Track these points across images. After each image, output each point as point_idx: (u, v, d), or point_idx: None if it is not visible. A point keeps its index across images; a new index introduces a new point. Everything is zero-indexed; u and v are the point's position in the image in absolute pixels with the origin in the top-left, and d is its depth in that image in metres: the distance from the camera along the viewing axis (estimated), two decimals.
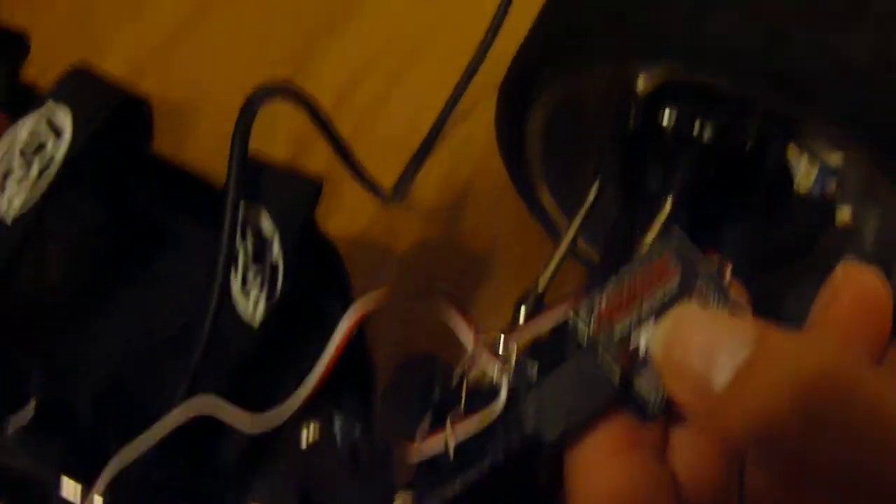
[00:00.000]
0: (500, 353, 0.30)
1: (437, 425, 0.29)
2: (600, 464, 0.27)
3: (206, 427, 0.31)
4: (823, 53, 0.34)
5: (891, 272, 0.38)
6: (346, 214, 0.47)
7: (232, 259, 0.35)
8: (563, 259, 0.40)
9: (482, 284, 0.47)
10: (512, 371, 0.29)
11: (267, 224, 0.37)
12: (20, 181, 0.36)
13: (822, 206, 0.41)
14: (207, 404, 0.31)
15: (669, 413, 0.27)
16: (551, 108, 0.41)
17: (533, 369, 0.29)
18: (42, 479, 0.34)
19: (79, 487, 0.33)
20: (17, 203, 0.35)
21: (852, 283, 0.27)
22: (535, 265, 0.42)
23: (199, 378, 0.33)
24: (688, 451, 0.28)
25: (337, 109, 0.50)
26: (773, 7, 0.35)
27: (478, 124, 0.48)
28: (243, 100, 0.45)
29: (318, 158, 0.47)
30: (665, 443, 0.28)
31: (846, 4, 0.35)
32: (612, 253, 0.40)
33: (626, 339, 0.27)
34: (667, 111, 0.38)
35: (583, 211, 0.41)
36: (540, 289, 0.39)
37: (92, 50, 0.51)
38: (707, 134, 0.38)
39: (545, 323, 0.30)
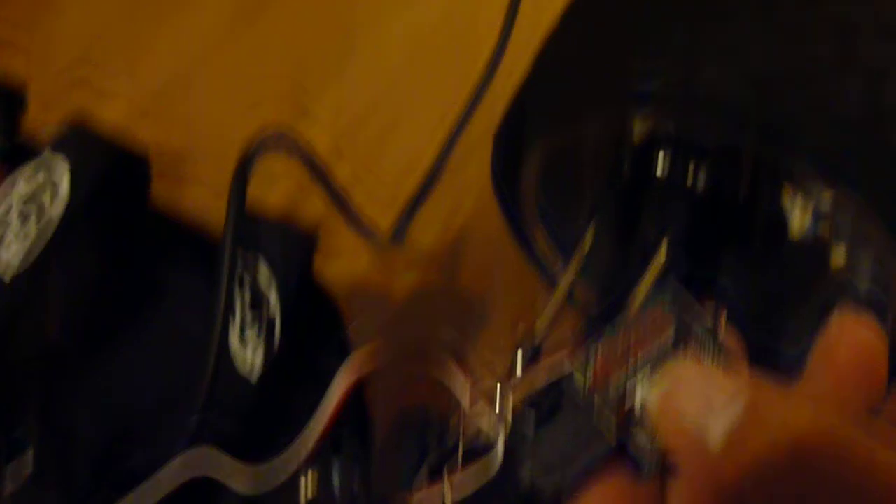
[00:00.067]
0: (497, 404, 0.30)
1: (434, 478, 0.30)
2: None
3: (204, 483, 0.32)
4: (813, 106, 0.35)
5: (886, 315, 0.39)
6: (344, 257, 0.47)
7: (229, 316, 0.35)
8: (559, 307, 0.40)
9: (480, 328, 0.47)
10: (508, 424, 0.29)
11: (264, 277, 0.37)
12: (18, 237, 0.36)
13: (817, 249, 0.41)
14: (205, 459, 0.31)
15: (666, 467, 0.27)
16: (546, 156, 0.41)
17: (530, 421, 0.29)
18: None
19: None
20: (16, 261, 0.35)
21: (847, 335, 0.27)
22: (533, 308, 0.42)
23: (198, 435, 0.33)
24: None
25: (336, 152, 0.51)
26: (762, 60, 0.35)
27: (476, 168, 0.48)
28: (242, 145, 0.46)
29: (317, 201, 0.47)
30: (662, 496, 0.28)
31: (834, 56, 0.36)
32: (607, 300, 0.40)
33: (622, 394, 0.27)
34: (660, 159, 0.39)
35: (578, 258, 0.41)
36: (537, 337, 0.39)
37: (92, 95, 0.51)
38: (700, 182, 0.38)
39: (542, 374, 0.30)
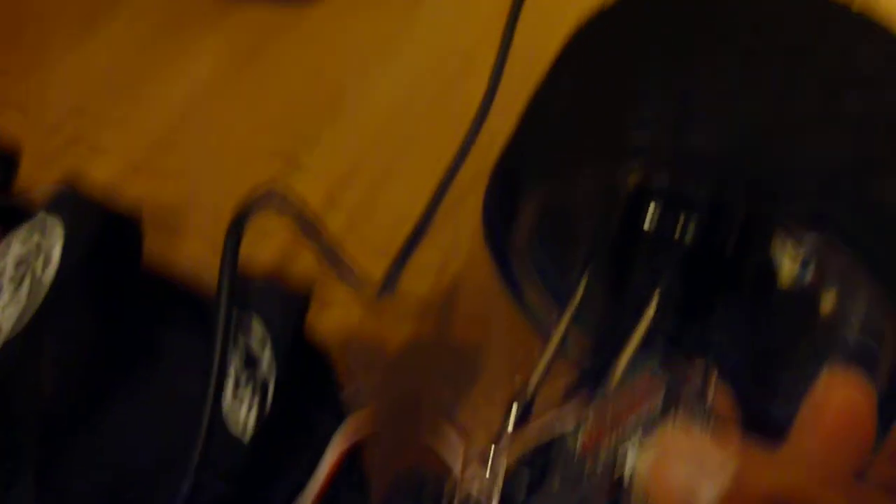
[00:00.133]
0: (489, 466, 0.30)
1: None
2: None
3: None
4: (800, 159, 0.35)
5: (875, 366, 0.39)
6: (337, 309, 0.48)
7: (223, 380, 0.35)
8: (553, 359, 0.40)
9: (473, 379, 0.47)
10: (500, 489, 0.29)
11: (258, 337, 0.37)
12: (11, 300, 0.36)
13: (807, 298, 0.41)
14: None
15: None
16: (538, 207, 0.42)
17: (522, 485, 0.29)
18: None
19: None
20: (9, 325, 0.35)
21: (834, 396, 0.28)
22: (527, 358, 0.42)
23: (191, 498, 0.33)
24: None
25: (329, 203, 0.51)
26: (750, 115, 0.36)
27: (468, 216, 0.48)
28: (235, 197, 0.46)
29: (309, 254, 0.47)
30: None
31: (820, 109, 0.36)
32: (599, 353, 0.41)
33: (612, 460, 0.27)
34: (649, 213, 0.39)
35: (571, 309, 0.41)
36: (530, 390, 0.39)
37: (85, 150, 0.51)
38: (690, 234, 0.39)
39: (534, 434, 0.30)
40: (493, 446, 0.31)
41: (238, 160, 0.52)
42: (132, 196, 0.48)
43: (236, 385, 0.37)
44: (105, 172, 0.50)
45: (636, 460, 0.27)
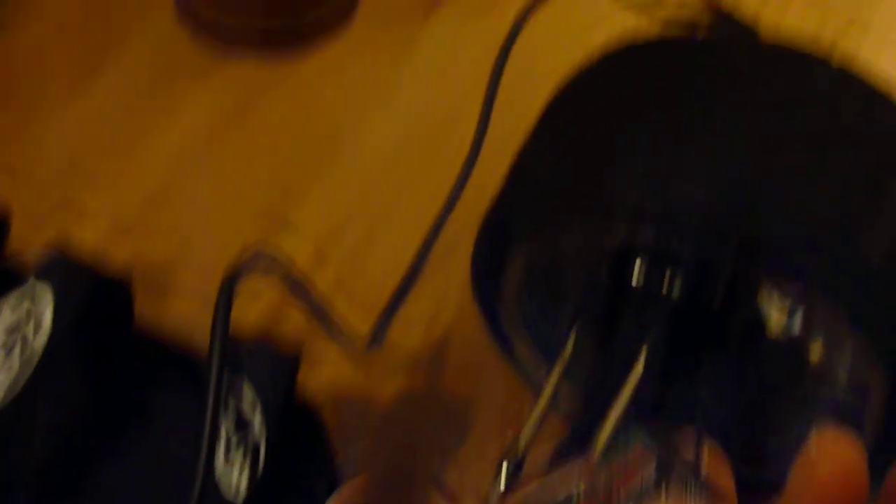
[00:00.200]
0: None
1: None
2: None
3: None
4: (786, 215, 0.36)
5: (862, 422, 0.39)
6: (327, 366, 0.48)
7: (215, 443, 0.35)
8: (543, 415, 0.41)
9: (465, 433, 0.47)
10: None
11: (249, 401, 0.37)
12: (3, 368, 0.36)
13: (795, 347, 0.41)
14: None
15: None
16: (526, 263, 0.42)
17: None
18: None
19: None
20: (0, 394, 0.36)
21: (828, 453, 0.28)
22: (518, 412, 0.42)
23: None
24: None
25: (318, 260, 0.51)
26: (734, 171, 0.36)
27: (456, 269, 0.49)
28: (224, 257, 0.46)
29: (298, 313, 0.47)
30: None
31: (804, 165, 0.36)
32: (588, 408, 0.41)
33: None
34: (636, 269, 0.39)
35: (561, 365, 0.41)
36: (520, 448, 0.39)
37: (75, 211, 0.51)
38: (676, 290, 0.39)
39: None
40: None
41: (227, 217, 0.52)
42: (122, 256, 0.49)
43: (228, 448, 0.37)
44: (95, 232, 0.50)
45: None
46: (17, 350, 0.37)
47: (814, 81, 0.39)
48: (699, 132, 0.38)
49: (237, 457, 0.37)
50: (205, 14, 0.59)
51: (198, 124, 0.56)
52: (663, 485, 0.28)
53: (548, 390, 0.41)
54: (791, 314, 0.40)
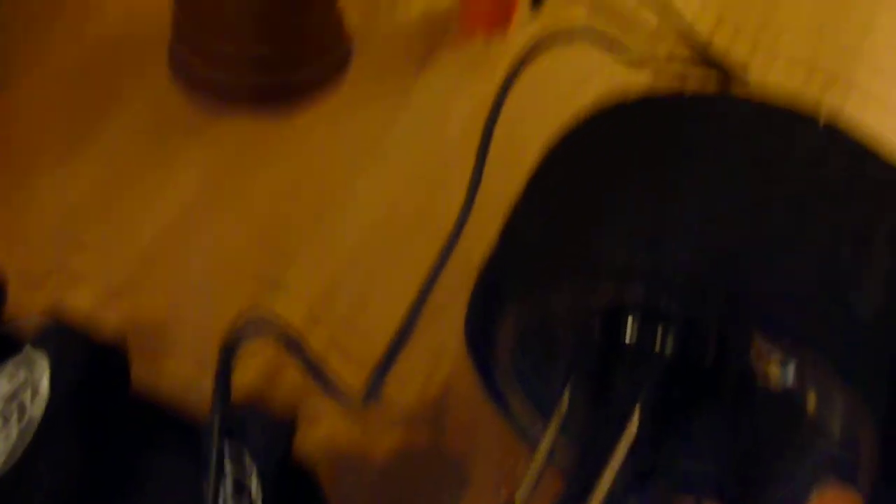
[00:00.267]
0: None
1: None
2: None
3: None
4: (772, 273, 0.36)
5: (855, 476, 0.39)
6: (323, 424, 0.48)
7: None
8: (540, 472, 0.41)
9: (461, 489, 0.47)
10: None
11: (246, 465, 0.37)
12: (0, 435, 0.37)
13: (789, 399, 0.42)
14: None
15: None
16: (519, 322, 0.42)
17: None
18: None
19: None
20: None
21: None
22: (514, 468, 0.42)
23: None
24: None
25: (312, 319, 0.51)
26: (721, 232, 0.37)
27: (451, 324, 0.49)
28: (218, 317, 0.47)
29: (294, 371, 0.48)
30: None
31: (790, 225, 0.37)
32: (584, 465, 0.41)
33: None
34: (628, 327, 0.40)
35: (555, 424, 0.41)
36: None
37: (70, 274, 0.52)
38: (669, 347, 0.39)
39: None
40: None
41: (221, 278, 0.53)
42: (117, 317, 0.49)
43: None
44: (89, 294, 0.51)
45: None
46: (14, 418, 0.37)
47: (800, 138, 0.39)
48: (686, 190, 0.38)
49: None
50: (198, 72, 0.60)
51: (192, 184, 0.56)
52: None
53: (544, 446, 0.41)
54: (784, 365, 0.41)
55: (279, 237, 0.54)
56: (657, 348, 0.39)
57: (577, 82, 0.60)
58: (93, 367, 0.38)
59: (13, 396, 0.37)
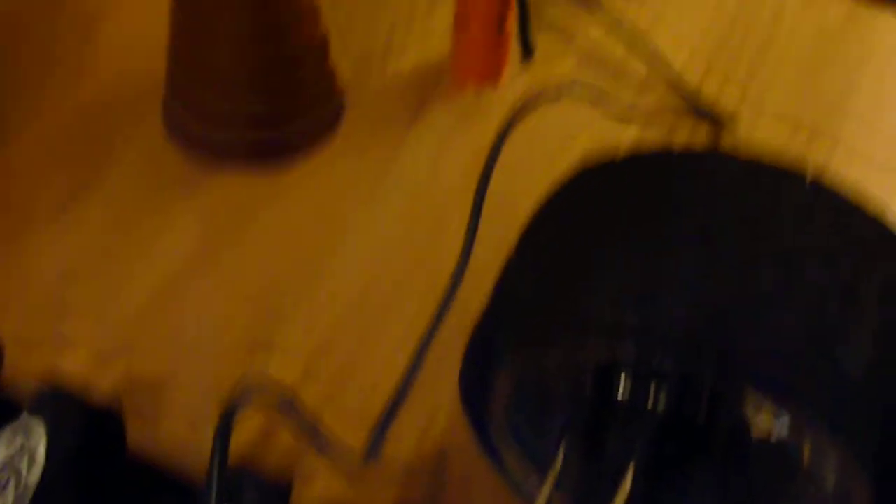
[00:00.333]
0: None
1: None
2: None
3: None
4: (762, 331, 0.36)
5: None
6: (319, 483, 0.48)
7: None
8: None
9: None
10: None
11: None
12: None
13: (783, 450, 0.42)
14: None
15: None
16: (513, 378, 0.43)
17: None
18: None
19: None
20: None
21: None
22: None
23: None
24: None
25: (306, 376, 0.52)
26: (711, 290, 0.37)
27: (446, 381, 0.49)
28: (213, 376, 0.47)
29: (289, 428, 0.48)
30: None
31: (778, 282, 0.37)
32: None
33: None
34: (621, 384, 0.40)
35: (550, 481, 0.42)
36: None
37: (64, 338, 0.52)
38: (661, 404, 0.40)
39: None
40: None
41: (216, 336, 0.53)
42: (112, 378, 0.49)
43: None
44: (85, 355, 0.50)
45: None
46: (11, 485, 0.37)
47: (787, 195, 0.40)
48: (676, 247, 0.39)
49: None
50: (193, 128, 0.60)
51: (186, 242, 0.56)
52: None
53: (539, 503, 0.41)
54: (778, 417, 0.41)
55: (273, 293, 0.55)
56: (650, 405, 0.40)
57: (567, 138, 0.61)
58: (89, 433, 0.38)
59: (9, 464, 0.37)
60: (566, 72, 0.66)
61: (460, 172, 0.59)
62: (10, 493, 0.37)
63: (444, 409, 0.50)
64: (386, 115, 0.64)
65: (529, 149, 0.57)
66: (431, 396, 0.50)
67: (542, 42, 0.67)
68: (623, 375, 0.40)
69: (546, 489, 0.42)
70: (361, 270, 0.56)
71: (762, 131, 0.63)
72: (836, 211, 0.40)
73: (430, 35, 0.68)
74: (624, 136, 0.60)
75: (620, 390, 0.40)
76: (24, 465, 0.37)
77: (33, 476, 0.37)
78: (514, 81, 0.66)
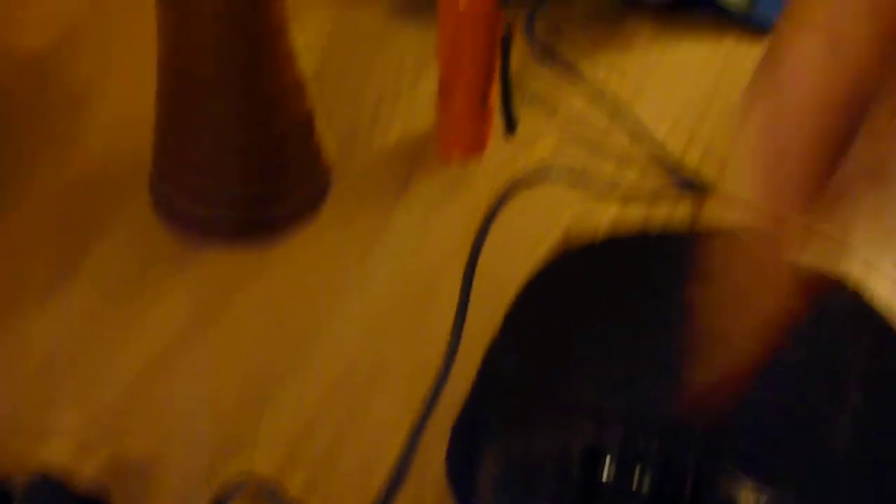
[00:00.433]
0: None
1: None
2: None
3: None
4: (742, 413, 0.37)
5: None
6: None
7: None
8: None
9: None
10: None
11: None
12: None
13: None
14: None
15: None
16: (497, 460, 0.43)
17: None
18: None
19: None
20: None
21: None
22: None
23: None
24: None
25: (291, 460, 0.51)
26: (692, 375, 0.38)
27: (434, 464, 0.49)
28: (199, 457, 0.47)
29: None
30: None
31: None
32: None
33: None
34: (605, 466, 0.40)
35: None
36: None
37: (49, 426, 0.52)
38: (646, 486, 0.40)
39: None
40: None
41: (201, 418, 0.53)
42: (99, 463, 0.49)
43: None
44: (72, 443, 0.50)
45: None
46: None
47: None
48: (653, 329, 0.39)
49: None
50: (179, 205, 0.61)
51: (172, 320, 0.57)
52: None
53: None
54: (761, 496, 0.41)
55: (259, 373, 0.55)
56: (635, 486, 0.40)
57: (549, 219, 0.61)
58: None
59: None
60: (549, 143, 0.67)
61: (448, 241, 0.60)
62: None
63: (430, 489, 0.50)
64: (373, 188, 0.64)
65: (514, 230, 0.58)
66: (418, 476, 0.50)
67: (526, 114, 0.68)
68: (608, 458, 0.40)
69: None
70: (347, 350, 0.56)
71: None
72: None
73: (416, 106, 0.69)
74: (606, 215, 0.60)
75: (605, 473, 0.40)
76: None
77: None
78: (498, 153, 0.66)
